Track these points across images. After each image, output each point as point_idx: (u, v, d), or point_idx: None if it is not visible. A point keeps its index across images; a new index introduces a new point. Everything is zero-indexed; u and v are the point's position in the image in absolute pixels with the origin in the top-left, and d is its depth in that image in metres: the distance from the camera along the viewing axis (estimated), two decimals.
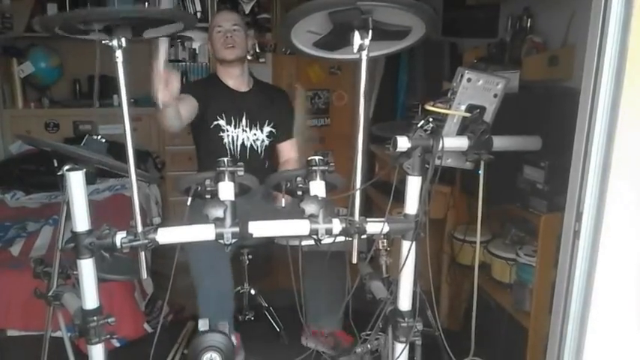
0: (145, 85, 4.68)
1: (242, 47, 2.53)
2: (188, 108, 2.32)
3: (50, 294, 1.73)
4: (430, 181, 1.45)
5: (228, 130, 2.52)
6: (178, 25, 1.39)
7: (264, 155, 2.61)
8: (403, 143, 1.43)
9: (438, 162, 1.45)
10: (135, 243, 1.35)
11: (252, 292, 2.77)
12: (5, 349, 2.62)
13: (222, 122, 2.50)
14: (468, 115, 1.49)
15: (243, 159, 2.51)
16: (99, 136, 1.87)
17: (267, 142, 2.60)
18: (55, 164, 1.51)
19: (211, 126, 2.49)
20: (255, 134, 2.57)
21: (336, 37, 1.37)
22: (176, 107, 2.10)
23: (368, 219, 1.44)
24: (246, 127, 2.56)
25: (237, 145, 2.54)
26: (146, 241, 1.35)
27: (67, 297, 1.68)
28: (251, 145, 2.57)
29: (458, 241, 2.58)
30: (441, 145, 1.43)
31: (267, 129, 2.59)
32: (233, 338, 2.29)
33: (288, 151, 2.70)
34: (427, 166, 1.45)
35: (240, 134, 2.55)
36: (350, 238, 1.46)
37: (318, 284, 2.32)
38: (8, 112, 4.21)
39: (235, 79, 2.58)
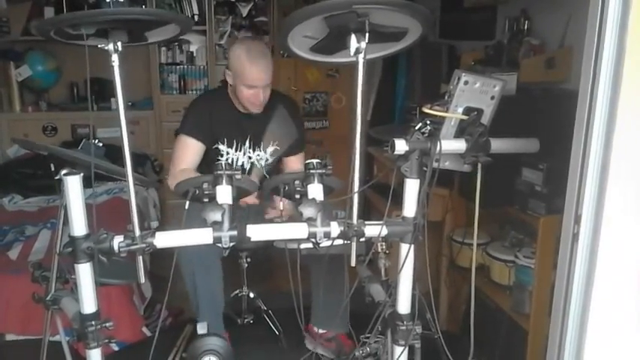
0: (142, 89, 4.67)
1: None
2: (199, 157, 2.41)
3: (48, 298, 1.73)
4: (428, 184, 1.45)
5: (228, 153, 2.46)
6: (175, 29, 1.38)
7: (266, 171, 2.53)
8: (401, 146, 1.43)
9: (435, 165, 1.44)
10: (132, 247, 1.35)
11: (251, 295, 2.76)
12: (4, 353, 2.62)
13: (222, 147, 2.44)
14: (465, 117, 1.49)
15: None
16: (96, 140, 1.86)
17: (270, 160, 2.53)
18: (52, 168, 1.51)
19: (212, 148, 2.43)
20: (258, 155, 2.51)
21: (333, 41, 1.37)
22: None
23: (366, 222, 1.44)
24: (249, 148, 2.49)
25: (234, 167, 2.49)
26: (144, 245, 1.35)
27: (65, 301, 1.67)
28: (252, 164, 2.51)
29: (456, 243, 2.58)
30: (438, 147, 1.43)
31: (270, 149, 2.51)
32: None
33: (294, 163, 2.59)
34: (425, 168, 1.45)
35: (241, 157, 2.48)
36: (348, 242, 1.45)
37: (322, 286, 2.29)
38: (6, 115, 4.21)
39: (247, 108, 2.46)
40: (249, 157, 2.51)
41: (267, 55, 2.39)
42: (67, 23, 1.27)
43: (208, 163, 2.40)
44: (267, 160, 2.53)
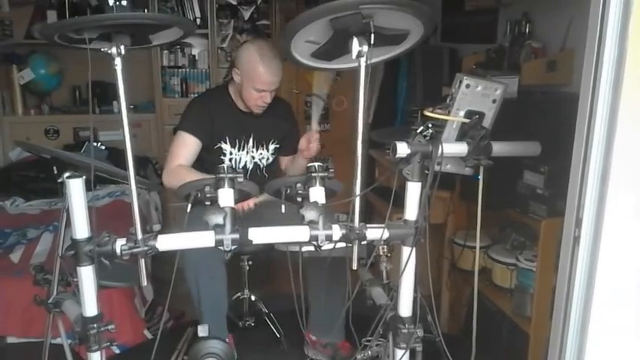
0: (144, 92, 4.68)
1: None
2: (195, 155, 2.38)
3: (50, 301, 1.73)
4: (430, 187, 1.45)
5: (231, 154, 2.46)
6: (177, 32, 1.39)
7: (266, 170, 2.55)
8: (402, 149, 1.43)
9: (437, 168, 1.44)
10: (135, 250, 1.35)
11: (253, 298, 2.76)
12: (5, 356, 2.62)
13: (225, 146, 2.43)
14: (466, 120, 1.49)
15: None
16: (99, 144, 1.87)
17: (271, 159, 2.55)
18: (55, 171, 1.51)
19: (214, 147, 2.42)
20: (261, 153, 2.51)
21: (335, 46, 1.37)
22: None
23: (368, 225, 1.44)
24: (253, 147, 2.49)
25: (237, 167, 2.48)
26: (146, 248, 1.35)
27: (67, 304, 1.68)
28: (254, 164, 2.52)
29: (458, 246, 2.58)
30: (440, 151, 1.43)
31: (272, 147, 2.53)
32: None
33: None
34: (427, 171, 1.45)
35: (244, 157, 2.48)
36: (350, 244, 1.46)
37: (320, 293, 2.26)
38: (8, 118, 4.22)
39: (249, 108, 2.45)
40: (252, 157, 2.51)
41: (278, 57, 2.33)
42: (72, 28, 1.29)
43: (212, 163, 2.39)
44: (268, 159, 2.54)
